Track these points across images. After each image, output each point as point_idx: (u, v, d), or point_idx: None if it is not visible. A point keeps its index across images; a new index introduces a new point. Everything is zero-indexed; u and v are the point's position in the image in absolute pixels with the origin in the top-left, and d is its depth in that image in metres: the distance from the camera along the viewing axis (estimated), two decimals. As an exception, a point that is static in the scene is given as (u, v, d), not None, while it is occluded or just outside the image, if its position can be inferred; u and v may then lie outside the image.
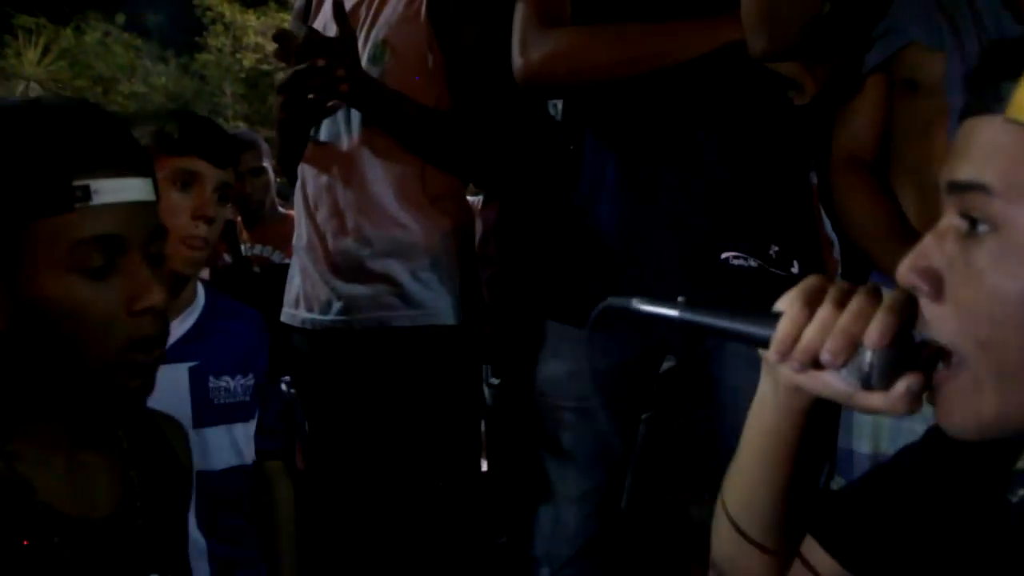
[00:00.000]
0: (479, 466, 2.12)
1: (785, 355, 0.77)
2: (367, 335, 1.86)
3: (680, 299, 0.83)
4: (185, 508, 1.13)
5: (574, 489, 1.70)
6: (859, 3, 1.50)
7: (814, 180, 1.72)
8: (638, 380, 1.68)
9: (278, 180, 3.54)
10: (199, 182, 1.52)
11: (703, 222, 1.54)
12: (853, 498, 0.95)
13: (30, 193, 0.85)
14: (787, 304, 0.77)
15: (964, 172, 0.67)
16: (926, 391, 0.73)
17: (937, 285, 0.70)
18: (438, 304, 1.85)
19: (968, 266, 0.67)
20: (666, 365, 1.73)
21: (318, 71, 1.69)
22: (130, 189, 0.90)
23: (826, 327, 0.74)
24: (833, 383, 0.77)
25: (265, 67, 18.25)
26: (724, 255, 1.51)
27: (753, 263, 1.52)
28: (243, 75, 20.22)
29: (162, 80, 20.23)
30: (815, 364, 0.76)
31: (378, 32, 1.88)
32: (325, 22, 1.98)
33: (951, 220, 0.69)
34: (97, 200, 0.87)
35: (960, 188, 0.67)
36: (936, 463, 0.87)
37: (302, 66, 1.70)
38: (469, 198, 2.19)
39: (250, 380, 1.64)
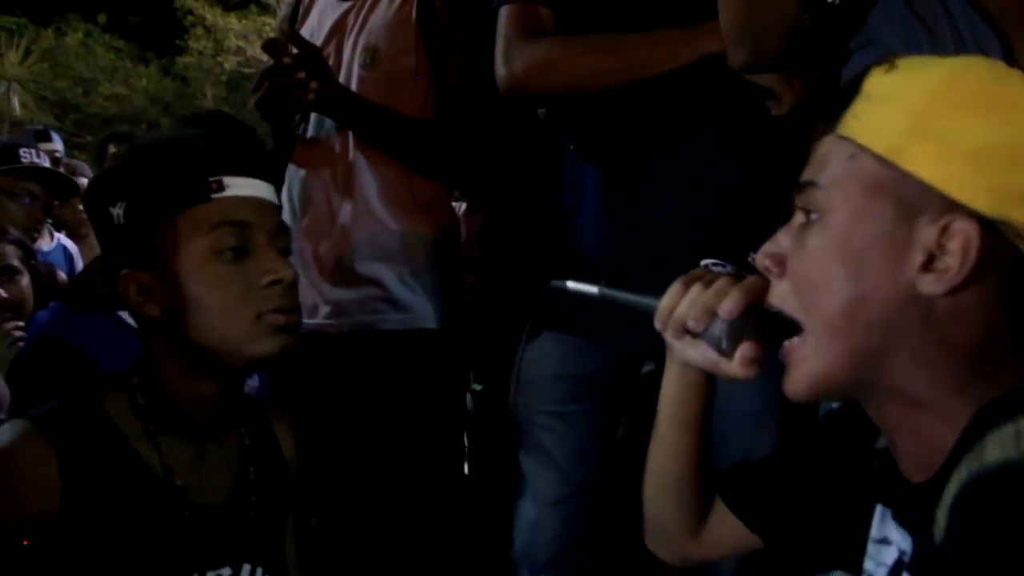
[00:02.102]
0: (462, 469, 2.13)
1: (664, 324, 0.95)
2: (353, 338, 1.88)
3: (601, 282, 1.04)
4: (288, 506, 1.25)
5: (553, 492, 1.71)
6: (838, 15, 1.53)
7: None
8: (618, 385, 1.70)
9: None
10: None
11: (683, 230, 1.55)
12: (760, 470, 1.10)
13: (177, 189, 1.06)
14: (671, 287, 0.95)
15: (806, 175, 0.84)
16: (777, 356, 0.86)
17: (782, 266, 0.85)
18: (425, 308, 1.86)
19: (802, 246, 0.82)
20: (646, 369, 1.75)
21: (288, 76, 1.71)
22: (256, 187, 1.11)
23: (694, 301, 0.91)
24: (702, 351, 0.94)
25: (246, 70, 18.17)
26: (704, 262, 1.53)
27: (731, 270, 1.54)
28: (224, 78, 20.12)
29: (143, 82, 20.11)
30: (687, 332, 0.93)
31: (367, 38, 1.90)
32: (312, 29, 1.99)
33: (797, 216, 0.85)
34: (229, 192, 1.07)
35: (802, 186, 0.84)
36: (825, 444, 1.02)
37: (273, 64, 1.73)
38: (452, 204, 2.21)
39: (254, 381, 1.65)
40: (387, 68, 1.88)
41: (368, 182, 1.88)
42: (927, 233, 0.76)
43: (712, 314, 0.89)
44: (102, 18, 20.07)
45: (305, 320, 1.91)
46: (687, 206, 1.55)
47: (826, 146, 0.83)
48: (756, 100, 1.50)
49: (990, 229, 0.74)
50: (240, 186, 1.08)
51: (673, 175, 1.56)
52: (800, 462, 1.05)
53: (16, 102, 17.78)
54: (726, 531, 1.08)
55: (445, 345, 1.89)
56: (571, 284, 1.08)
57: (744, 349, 0.88)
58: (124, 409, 1.08)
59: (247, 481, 1.16)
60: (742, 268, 1.54)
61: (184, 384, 1.09)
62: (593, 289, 1.05)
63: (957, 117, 0.76)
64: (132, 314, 1.10)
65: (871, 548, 0.89)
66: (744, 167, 1.57)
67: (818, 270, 0.80)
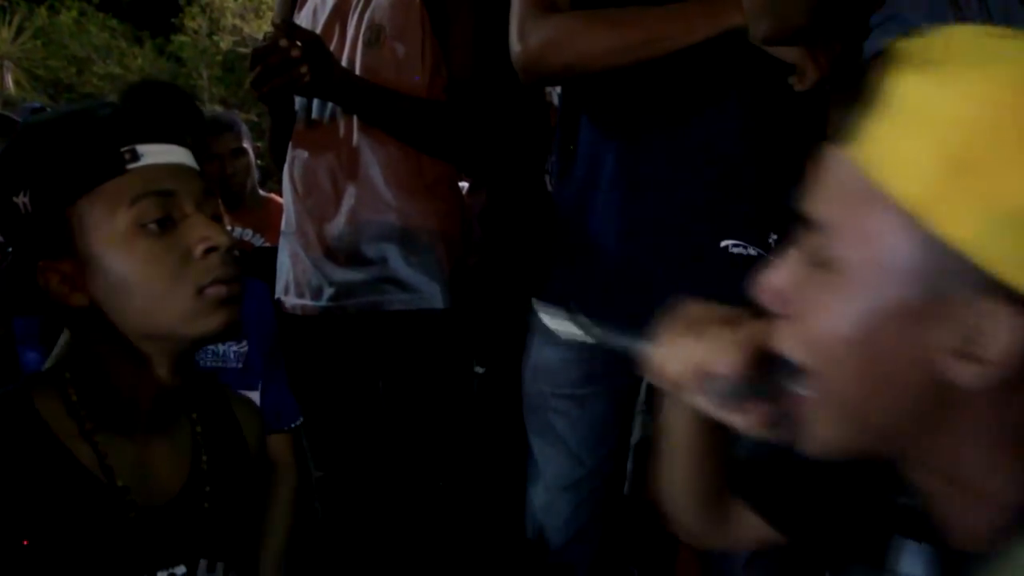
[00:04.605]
0: (468, 453, 2.11)
1: (658, 380, 0.87)
2: (359, 319, 1.86)
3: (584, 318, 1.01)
4: (249, 496, 1.17)
5: (565, 477, 1.68)
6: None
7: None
8: (633, 368, 1.67)
9: (259, 162, 3.51)
10: None
11: (704, 211, 1.52)
12: (774, 464, 1.00)
13: (88, 164, 0.97)
14: (657, 335, 0.86)
15: (809, 206, 0.70)
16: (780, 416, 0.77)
17: (787, 307, 0.72)
18: (431, 288, 1.84)
19: (809, 299, 0.69)
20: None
21: (282, 55, 1.69)
22: (173, 154, 1.02)
23: (687, 361, 0.81)
24: (706, 403, 0.83)
25: (242, 50, 18.09)
26: (724, 243, 1.50)
27: (753, 251, 1.51)
28: (220, 57, 20.06)
29: (138, 61, 20.02)
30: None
31: (372, 15, 1.86)
32: (315, 4, 1.96)
33: (802, 246, 0.71)
34: (146, 161, 0.98)
35: (806, 220, 0.70)
36: None
37: (267, 43, 1.71)
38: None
39: (244, 347, 1.61)
40: (391, 47, 1.85)
41: (373, 162, 1.85)
42: (962, 313, 0.62)
43: (707, 374, 0.80)
44: (96, -4, 19.95)
45: (310, 301, 1.89)
46: (707, 188, 1.52)
47: (834, 170, 0.68)
48: (778, 75, 1.46)
49: None
50: (157, 153, 1.00)
51: (693, 154, 1.52)
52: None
53: (9, 79, 17.70)
54: (747, 527, 1.02)
55: (452, 325, 1.87)
56: (549, 322, 1.07)
57: (756, 413, 0.79)
58: (57, 408, 0.99)
59: (200, 471, 1.08)
60: (764, 249, 1.52)
61: (123, 376, 1.01)
62: (576, 331, 1.02)
63: (1007, 160, 0.60)
64: (56, 307, 1.00)
65: None
66: (766, 146, 1.53)
67: (829, 336, 0.68)
